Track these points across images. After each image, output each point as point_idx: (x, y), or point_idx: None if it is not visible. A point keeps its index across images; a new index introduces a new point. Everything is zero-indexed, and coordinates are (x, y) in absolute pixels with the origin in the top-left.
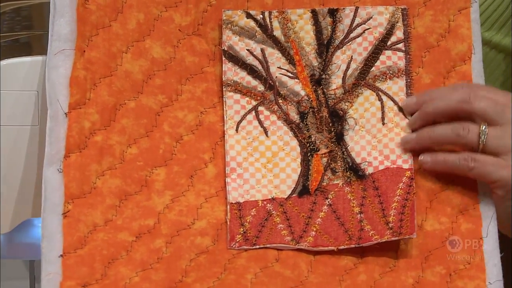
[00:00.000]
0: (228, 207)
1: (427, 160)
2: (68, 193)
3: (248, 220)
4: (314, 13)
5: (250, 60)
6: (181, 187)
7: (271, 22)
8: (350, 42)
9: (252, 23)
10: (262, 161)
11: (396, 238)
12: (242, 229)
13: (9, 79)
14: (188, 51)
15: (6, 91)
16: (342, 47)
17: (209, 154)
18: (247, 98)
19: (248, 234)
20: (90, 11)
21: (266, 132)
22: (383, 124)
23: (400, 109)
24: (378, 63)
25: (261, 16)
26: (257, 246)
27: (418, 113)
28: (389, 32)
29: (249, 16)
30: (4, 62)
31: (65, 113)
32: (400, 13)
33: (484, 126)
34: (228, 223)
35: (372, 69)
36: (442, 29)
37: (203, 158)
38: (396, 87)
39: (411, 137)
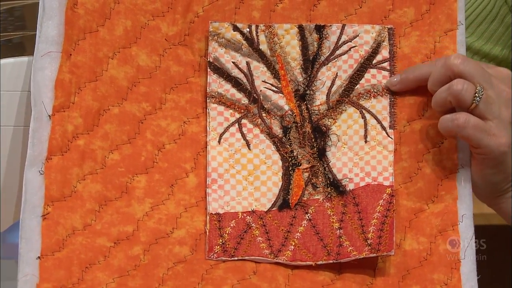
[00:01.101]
0: (208, 217)
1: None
2: (49, 195)
3: (227, 232)
4: (301, 28)
5: (235, 72)
6: (161, 195)
7: (257, 36)
8: (336, 59)
9: (238, 36)
10: (244, 173)
11: (374, 254)
12: (221, 240)
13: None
14: (173, 61)
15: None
16: (327, 64)
17: (191, 164)
18: (230, 111)
19: (227, 246)
20: (78, 15)
21: (248, 145)
22: (366, 142)
23: (383, 127)
24: (362, 81)
25: (248, 29)
26: (235, 258)
27: (400, 78)
28: (374, 51)
29: (235, 28)
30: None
31: (49, 115)
32: (387, 33)
33: (481, 88)
34: (207, 233)
35: (356, 87)
36: (428, 50)
37: (185, 167)
38: (379, 105)
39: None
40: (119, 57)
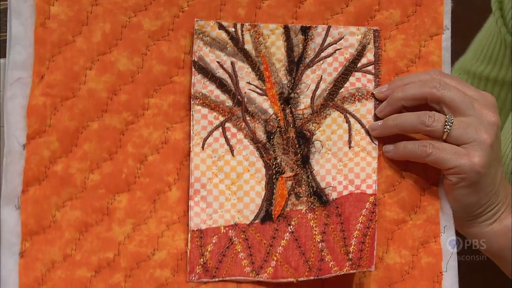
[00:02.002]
0: (189, 235)
1: (390, 148)
2: (26, 230)
3: (208, 249)
4: (287, 29)
5: (220, 73)
6: (143, 214)
7: (242, 35)
8: (321, 62)
9: (223, 35)
10: (227, 182)
11: (355, 271)
12: (202, 260)
13: None
14: (156, 59)
15: None
16: (312, 66)
17: (173, 176)
18: (214, 113)
19: (208, 265)
20: (51, 30)
21: (232, 151)
22: (350, 147)
23: (367, 132)
24: (347, 84)
25: (233, 28)
26: (217, 279)
27: (388, 100)
28: (359, 54)
29: (221, 27)
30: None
31: (23, 145)
32: (372, 35)
33: (450, 116)
34: (188, 253)
35: (341, 90)
36: (413, 55)
37: (167, 180)
38: (364, 109)
39: (377, 123)
40: (97, 66)
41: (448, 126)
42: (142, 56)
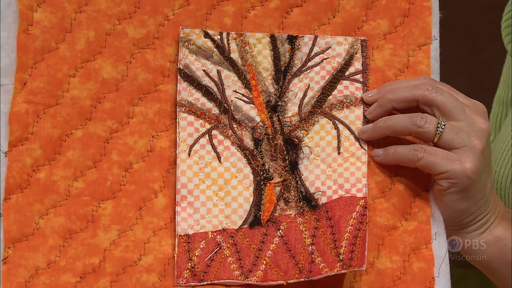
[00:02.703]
0: (177, 240)
1: (379, 153)
2: (8, 237)
3: (196, 254)
4: (273, 38)
5: (206, 81)
6: (128, 221)
7: (228, 44)
8: (308, 71)
9: (209, 43)
10: (214, 188)
11: (346, 270)
12: (190, 264)
13: None
14: (141, 67)
15: None
16: (299, 75)
17: (159, 183)
18: (201, 121)
19: (196, 269)
20: (34, 36)
21: (219, 157)
22: (339, 153)
23: (357, 138)
24: (335, 92)
25: (219, 36)
26: (205, 282)
27: (378, 101)
28: (347, 63)
29: (207, 35)
30: None
31: (5, 153)
32: (359, 44)
33: (442, 119)
34: (176, 258)
35: (329, 98)
36: (401, 64)
37: (153, 187)
38: (353, 115)
39: (368, 126)
40: (81, 73)
41: (440, 129)
42: (127, 64)
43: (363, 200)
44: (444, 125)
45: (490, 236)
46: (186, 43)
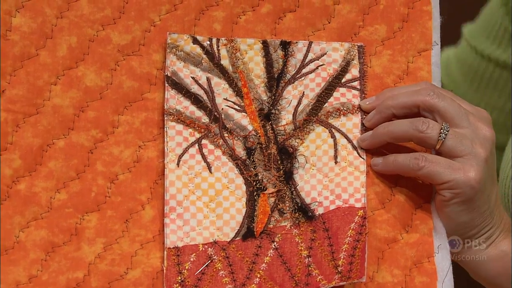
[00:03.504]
0: (165, 253)
1: (378, 162)
2: None
3: (186, 267)
4: (265, 44)
5: (195, 89)
6: (114, 233)
7: (218, 50)
8: (302, 78)
9: (198, 49)
10: (205, 199)
11: (345, 282)
12: (180, 277)
13: None
14: (127, 75)
15: None
16: (293, 82)
17: (147, 195)
18: (190, 130)
19: (186, 283)
20: (12, 42)
21: (209, 168)
22: (336, 162)
23: (354, 147)
24: (331, 99)
25: (208, 42)
26: None
27: (377, 108)
28: (343, 69)
29: (195, 41)
30: None
31: None
32: (356, 51)
33: (446, 124)
34: (165, 271)
35: (325, 105)
36: (400, 71)
37: (140, 199)
38: (350, 123)
39: (367, 134)
40: (63, 81)
41: (443, 134)
42: (111, 71)
43: (362, 211)
44: (448, 131)
45: (496, 250)
46: (174, 49)
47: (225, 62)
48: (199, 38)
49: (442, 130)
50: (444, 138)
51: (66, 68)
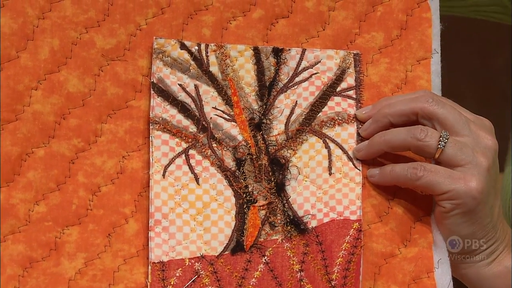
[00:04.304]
0: (150, 267)
1: (375, 173)
2: None
3: (172, 283)
4: (257, 51)
5: (182, 96)
6: (96, 248)
7: (207, 56)
8: (295, 86)
9: (186, 55)
10: (192, 212)
11: None
12: None
13: None
14: (111, 81)
15: None
16: (286, 91)
17: (131, 208)
18: (177, 139)
19: None
20: None
21: (197, 179)
22: (330, 174)
23: (350, 158)
24: (325, 108)
25: (197, 48)
26: None
27: (373, 116)
28: (339, 78)
29: (183, 47)
30: None
31: None
32: (352, 59)
33: (445, 132)
34: (149, 287)
35: (318, 115)
36: (398, 79)
37: (123, 212)
38: (345, 133)
39: (363, 144)
40: (44, 86)
41: (442, 143)
42: (95, 77)
43: (357, 223)
44: (447, 139)
45: (499, 267)
46: (160, 55)
47: (214, 69)
48: (187, 43)
49: (441, 138)
50: (444, 146)
51: (47, 72)
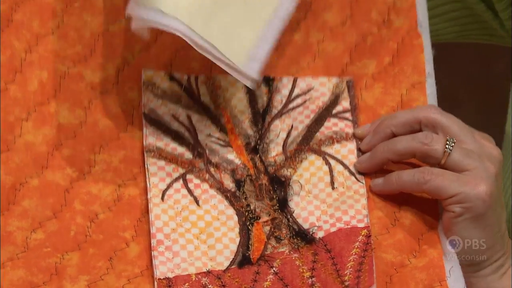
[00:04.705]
0: (156, 284)
1: (379, 182)
2: None
3: None
4: None
5: (176, 126)
6: (98, 270)
7: (198, 87)
8: (290, 112)
9: (176, 87)
10: (194, 231)
11: None
12: None
13: None
14: (102, 113)
15: None
16: (280, 117)
17: (131, 232)
18: (173, 165)
19: None
20: None
21: (197, 201)
22: (333, 188)
23: (351, 172)
24: (322, 129)
25: (187, 79)
26: None
27: (375, 129)
28: (333, 102)
29: (172, 79)
30: None
31: None
32: (345, 85)
33: (450, 138)
34: None
35: (316, 134)
36: (394, 102)
37: (124, 236)
38: (345, 150)
39: (365, 155)
40: (35, 117)
41: (449, 147)
42: (85, 109)
43: (365, 230)
44: (453, 143)
45: (509, 282)
46: (150, 87)
47: (205, 99)
48: (176, 75)
49: (447, 143)
50: (451, 151)
51: (37, 104)
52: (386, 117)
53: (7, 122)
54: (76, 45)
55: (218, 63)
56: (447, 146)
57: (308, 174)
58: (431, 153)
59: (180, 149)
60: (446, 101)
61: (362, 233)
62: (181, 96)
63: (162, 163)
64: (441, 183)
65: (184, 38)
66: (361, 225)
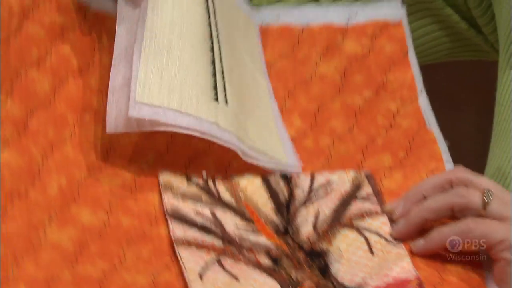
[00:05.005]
0: None
1: (420, 242)
2: None
3: None
4: (266, 179)
5: (201, 220)
6: None
7: (216, 187)
8: (314, 202)
9: (194, 188)
10: None
11: None
12: None
13: None
14: (124, 215)
15: None
16: (305, 206)
17: None
18: (205, 250)
19: None
20: (4, 177)
21: (236, 278)
22: (373, 254)
23: (388, 241)
24: (350, 209)
25: (205, 179)
26: None
27: (404, 197)
28: (355, 189)
29: (190, 180)
30: None
31: None
32: (364, 177)
33: (488, 190)
34: None
35: (345, 214)
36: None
37: None
38: (377, 222)
39: (400, 221)
40: (58, 220)
41: (488, 197)
42: (107, 212)
43: (416, 280)
44: (491, 194)
45: None
46: (169, 189)
47: (226, 197)
48: (194, 177)
49: (485, 194)
50: (490, 200)
51: (59, 207)
52: (414, 186)
53: (31, 223)
54: (90, 154)
55: (261, 164)
56: (485, 196)
57: (345, 245)
58: (470, 205)
59: (209, 239)
60: (447, 106)
61: (413, 284)
62: (202, 195)
63: (193, 249)
64: (487, 229)
65: (235, 150)
66: (411, 276)
